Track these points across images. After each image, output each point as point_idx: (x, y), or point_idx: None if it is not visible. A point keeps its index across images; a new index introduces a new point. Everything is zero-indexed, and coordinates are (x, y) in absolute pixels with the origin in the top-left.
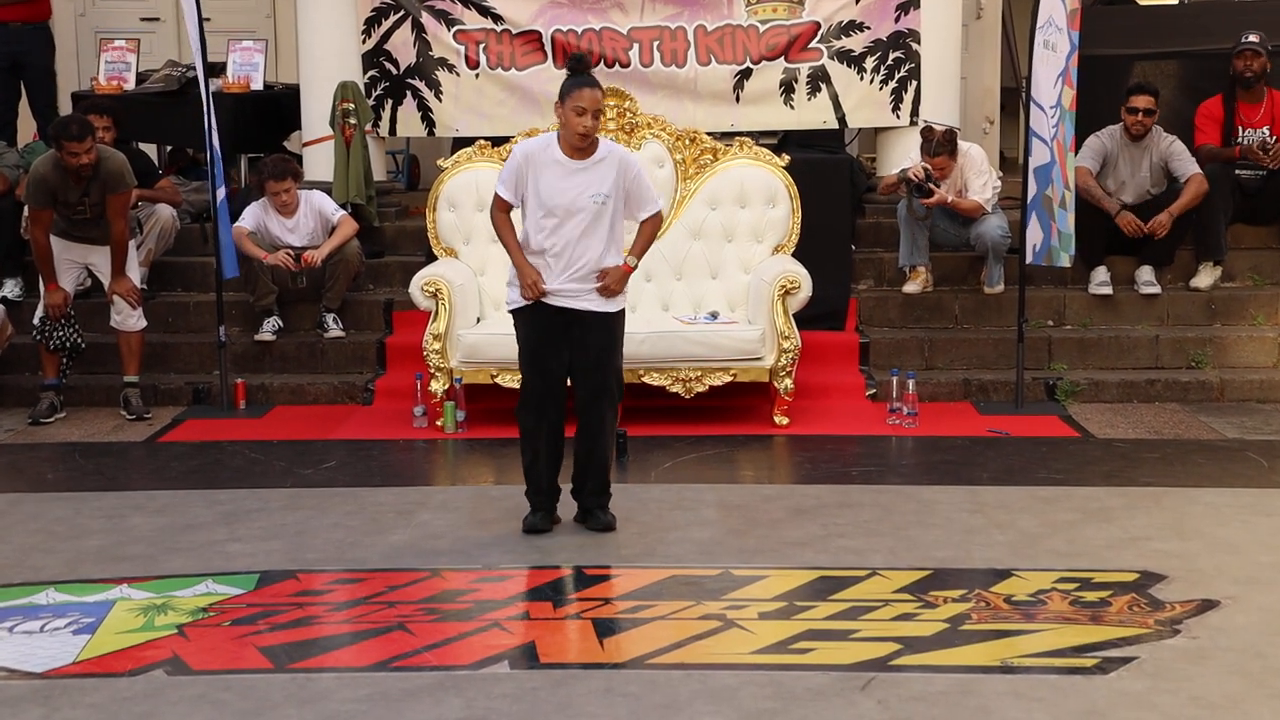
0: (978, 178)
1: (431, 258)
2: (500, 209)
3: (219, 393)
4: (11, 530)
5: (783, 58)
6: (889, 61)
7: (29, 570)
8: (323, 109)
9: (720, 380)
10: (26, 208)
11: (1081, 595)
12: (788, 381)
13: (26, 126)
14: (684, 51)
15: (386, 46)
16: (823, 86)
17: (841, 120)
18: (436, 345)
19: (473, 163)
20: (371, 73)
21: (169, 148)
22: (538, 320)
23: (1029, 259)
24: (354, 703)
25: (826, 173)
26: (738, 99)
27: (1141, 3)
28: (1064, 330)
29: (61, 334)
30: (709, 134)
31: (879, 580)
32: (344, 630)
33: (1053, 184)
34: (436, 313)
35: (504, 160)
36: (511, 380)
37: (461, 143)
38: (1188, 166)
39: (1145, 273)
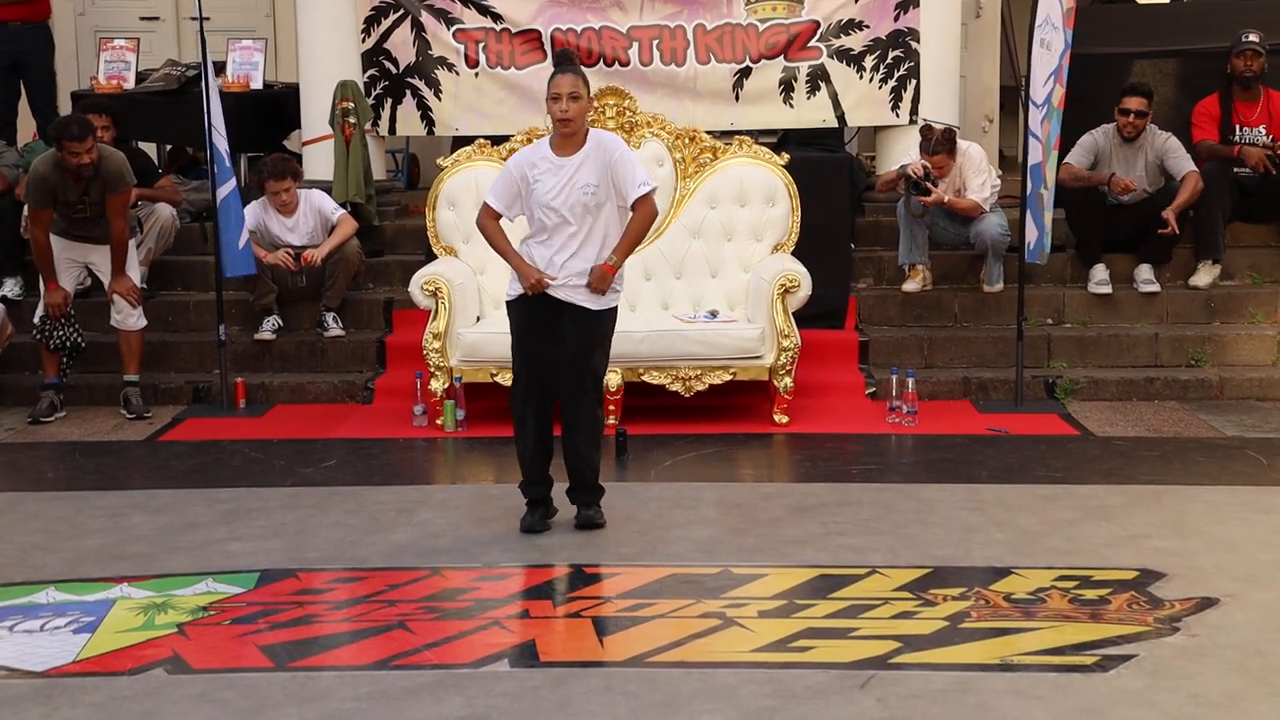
0: (976, 176)
1: (431, 256)
2: (489, 216)
3: (219, 392)
4: (12, 529)
5: (782, 56)
6: (888, 60)
7: (29, 569)
8: (322, 108)
9: (720, 379)
10: (26, 207)
11: (1081, 593)
12: (787, 380)
13: (26, 125)
14: (683, 50)
15: (386, 45)
16: (822, 85)
17: (841, 119)
18: (436, 344)
19: (472, 161)
20: (371, 72)
21: (169, 147)
22: (531, 309)
23: (1026, 257)
24: (354, 701)
25: (826, 171)
26: (737, 98)
27: (1140, 1)
28: (1063, 328)
29: (61, 333)
30: (708, 133)
31: (878, 578)
32: (344, 629)
33: (1044, 181)
34: (436, 311)
35: (504, 160)
36: (511, 378)
37: (461, 141)
38: (1183, 164)
39: (1144, 271)
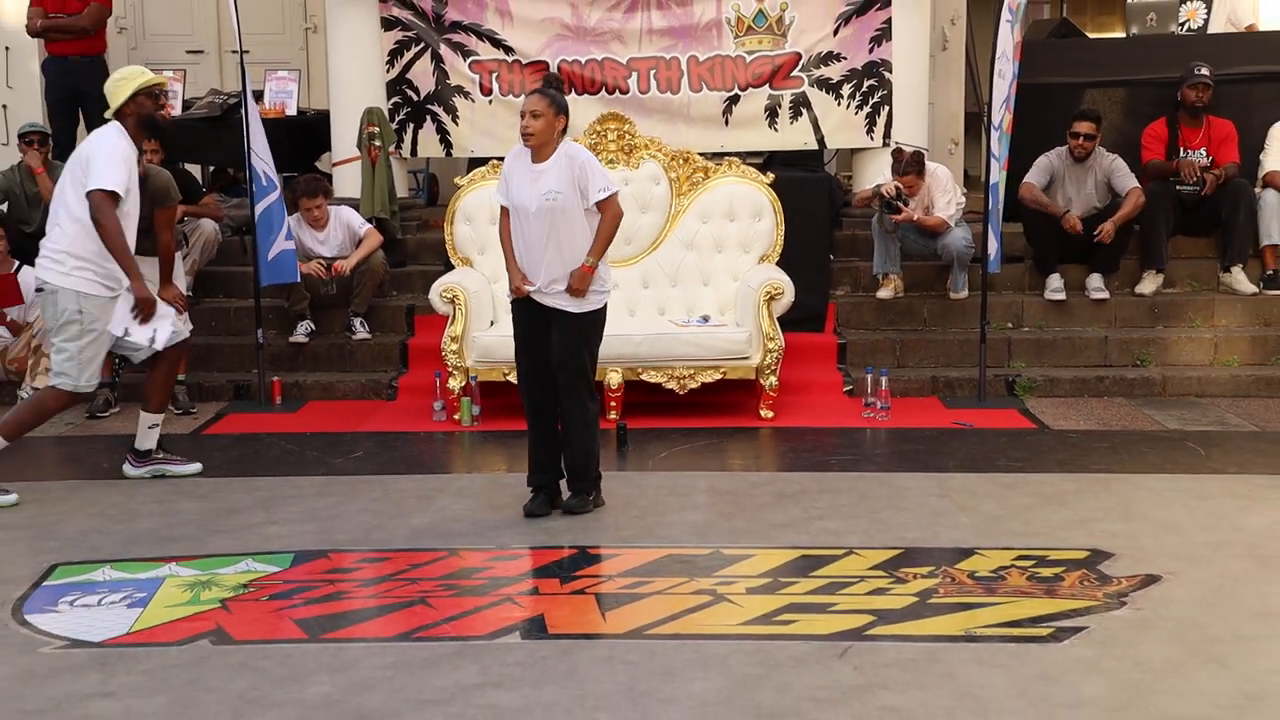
0: (943, 195)
1: (449, 267)
2: (503, 215)
3: (258, 389)
4: (72, 514)
5: (767, 85)
6: (864, 89)
7: (88, 550)
8: (351, 132)
9: (711, 378)
10: None
11: (1037, 571)
12: (772, 379)
13: None
14: (678, 79)
15: (408, 75)
16: (804, 111)
17: (821, 142)
18: (454, 346)
19: (486, 180)
20: (395, 99)
21: (212, 168)
22: (525, 311)
23: (988, 267)
24: (380, 670)
25: (807, 190)
26: (727, 122)
27: (1091, 36)
28: (1022, 332)
29: None
30: (701, 154)
31: (855, 558)
32: (371, 604)
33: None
34: (454, 317)
35: None
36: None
37: (476, 162)
38: (1127, 182)
39: (1095, 280)
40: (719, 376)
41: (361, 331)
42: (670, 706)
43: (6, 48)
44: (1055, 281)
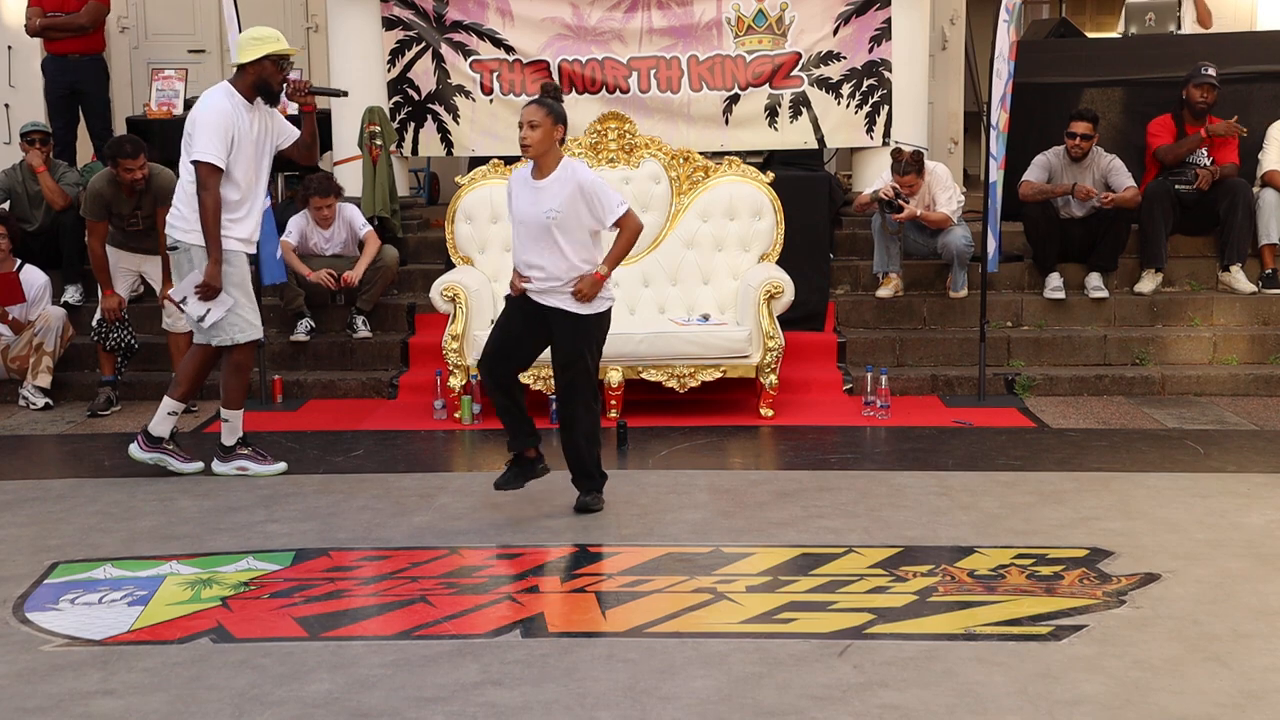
0: (943, 193)
1: (450, 265)
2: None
3: (258, 387)
4: (73, 512)
5: (767, 85)
6: (863, 88)
7: (89, 548)
8: (352, 131)
9: (711, 376)
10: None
11: (1037, 570)
12: (772, 377)
13: (84, 148)
14: (678, 79)
15: (409, 75)
16: (804, 110)
17: (821, 141)
18: (455, 345)
19: (487, 180)
20: (396, 98)
21: None
22: (517, 302)
23: (988, 266)
24: (380, 668)
25: (807, 189)
26: (727, 122)
27: (1090, 36)
28: (1022, 331)
29: (117, 335)
30: (701, 153)
31: (855, 557)
32: (371, 602)
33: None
34: (454, 315)
35: None
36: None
37: (477, 161)
38: (1124, 180)
39: (1094, 279)
40: (719, 375)
41: (363, 330)
42: (670, 705)
43: (9, 47)
44: (1055, 280)
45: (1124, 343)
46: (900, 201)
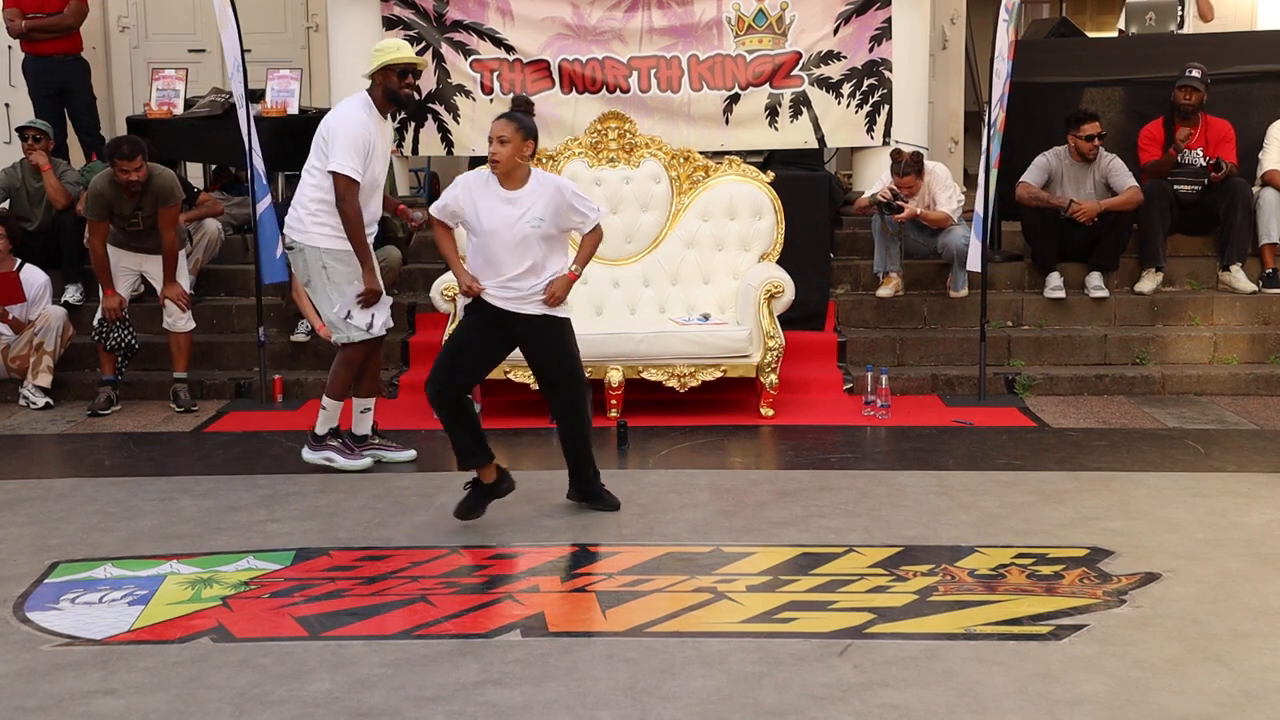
0: (943, 192)
1: None
2: (438, 225)
3: (259, 387)
4: (73, 511)
5: (768, 84)
6: (864, 88)
7: (89, 547)
8: None
9: (712, 376)
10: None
11: (1037, 569)
12: (773, 377)
13: (74, 148)
14: (678, 78)
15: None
16: (804, 110)
17: (821, 140)
18: None
19: None
20: None
21: (214, 166)
22: (484, 317)
23: (975, 267)
24: (381, 667)
25: (808, 188)
26: (727, 121)
27: (1090, 35)
28: (1022, 330)
29: (117, 335)
30: (701, 153)
31: (855, 556)
32: (372, 602)
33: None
34: (454, 315)
35: None
36: (524, 376)
37: (477, 161)
38: (1126, 180)
39: (1094, 278)
40: (719, 374)
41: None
42: (670, 704)
43: (9, 46)
44: (1055, 280)
45: (1124, 342)
46: (899, 202)
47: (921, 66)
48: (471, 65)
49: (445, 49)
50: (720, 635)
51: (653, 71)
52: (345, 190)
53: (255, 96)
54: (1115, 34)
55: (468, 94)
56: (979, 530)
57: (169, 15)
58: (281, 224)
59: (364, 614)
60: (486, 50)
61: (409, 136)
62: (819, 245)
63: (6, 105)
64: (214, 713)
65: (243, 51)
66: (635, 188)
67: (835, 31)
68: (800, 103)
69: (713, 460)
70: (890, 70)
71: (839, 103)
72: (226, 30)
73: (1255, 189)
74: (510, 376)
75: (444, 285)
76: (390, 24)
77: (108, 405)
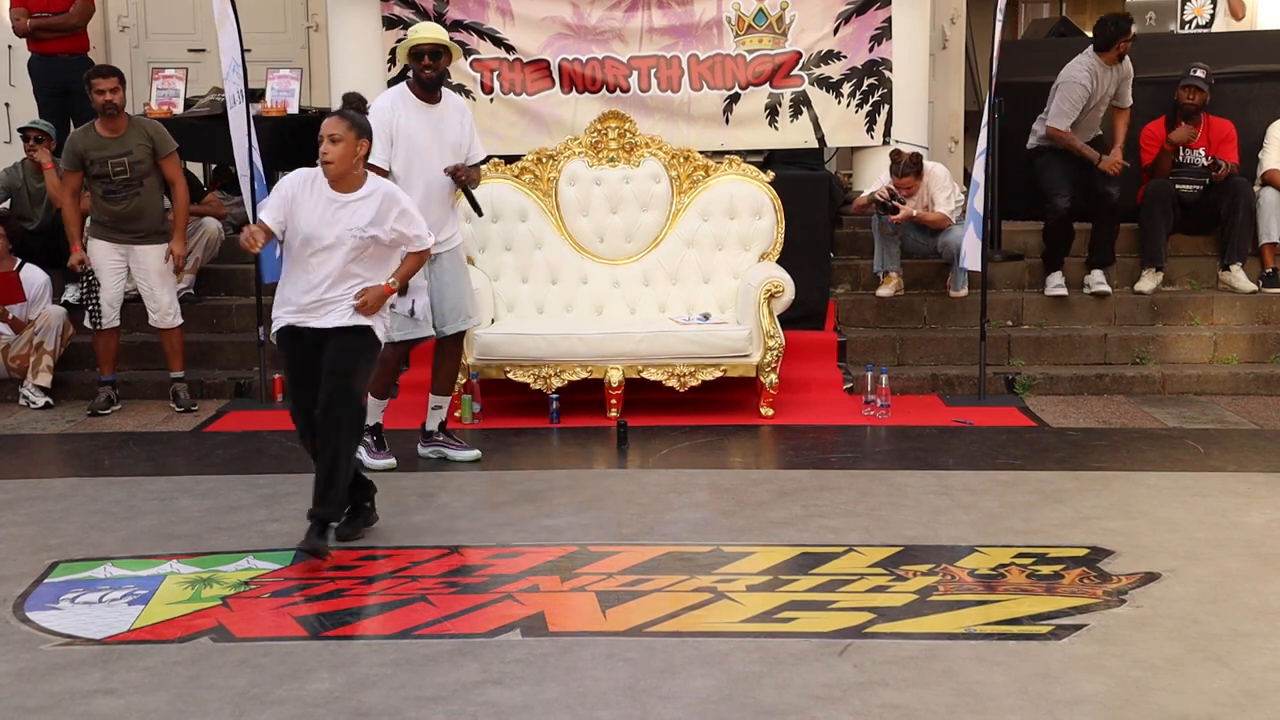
0: (941, 192)
1: None
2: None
3: (259, 387)
4: (73, 511)
5: (768, 84)
6: (864, 87)
7: (89, 547)
8: None
9: (712, 375)
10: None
11: (1037, 569)
12: (773, 376)
13: None
14: (678, 78)
15: (410, 74)
16: (804, 110)
17: (821, 140)
18: None
19: (487, 179)
20: None
21: (214, 165)
22: (290, 347)
23: (975, 266)
24: (381, 667)
25: (807, 188)
26: (727, 121)
27: (1090, 35)
28: (1022, 330)
29: (95, 295)
30: (701, 153)
31: (855, 556)
32: (372, 601)
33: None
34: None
35: (517, 177)
36: (523, 375)
37: None
38: (1129, 98)
39: (1096, 275)
40: (719, 374)
41: None
42: (670, 704)
43: (9, 46)
44: (1057, 278)
45: (1124, 342)
46: (895, 203)
47: (921, 66)
48: (471, 65)
49: None
50: (720, 635)
51: (653, 71)
52: None
53: (255, 96)
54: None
55: (468, 94)
56: (979, 530)
57: (169, 15)
58: None
59: (364, 614)
60: (486, 50)
61: None
62: (819, 245)
63: (6, 105)
64: (214, 712)
65: (243, 51)
66: (635, 187)
67: (835, 31)
68: (800, 102)
69: (713, 460)
70: (890, 70)
71: (839, 102)
72: (225, 29)
73: (1255, 188)
74: (510, 376)
75: None
76: (390, 24)
77: (108, 405)
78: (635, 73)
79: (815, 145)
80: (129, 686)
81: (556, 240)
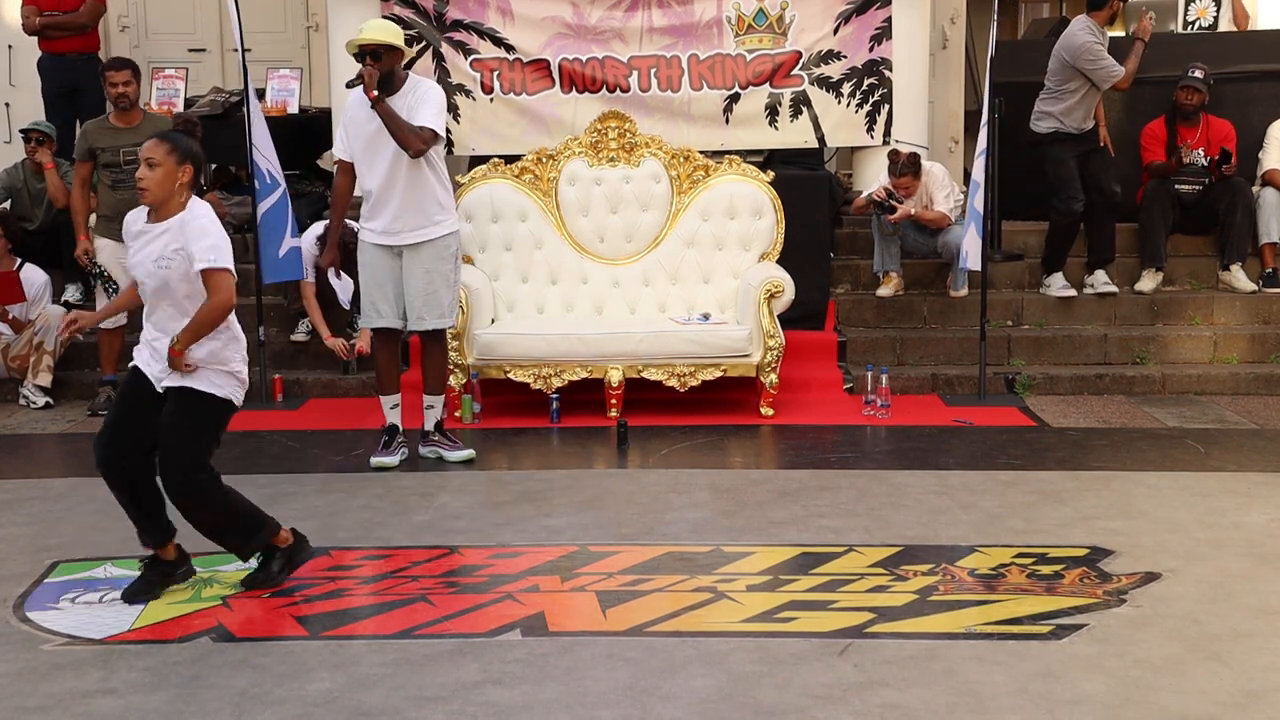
0: (940, 191)
1: None
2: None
3: (259, 387)
4: (73, 511)
5: (768, 84)
6: (864, 87)
7: (89, 547)
8: None
9: (712, 375)
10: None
11: (1037, 569)
12: (773, 376)
13: None
14: (679, 78)
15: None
16: (804, 110)
17: (821, 140)
18: (455, 343)
19: (487, 179)
20: None
21: (213, 165)
22: (132, 378)
23: (975, 266)
24: (381, 667)
25: (808, 188)
26: (727, 121)
27: None
28: (1022, 330)
29: (108, 287)
30: (701, 152)
31: (855, 556)
32: (372, 601)
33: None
34: None
35: (517, 177)
36: (524, 375)
37: (477, 160)
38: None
39: (1100, 275)
40: (719, 374)
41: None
42: (670, 704)
43: (9, 46)
44: (1060, 279)
45: (1124, 342)
46: (893, 202)
47: (921, 66)
48: (472, 65)
49: (445, 49)
50: (720, 635)
51: (653, 71)
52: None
53: (255, 96)
54: (1121, 34)
55: (468, 93)
56: (979, 530)
57: (169, 15)
58: (272, 226)
59: (364, 614)
60: (487, 50)
61: None
62: (819, 245)
63: (7, 105)
64: (214, 712)
65: (243, 51)
66: (635, 187)
67: (835, 31)
68: (800, 102)
69: (713, 460)
70: (890, 70)
71: (839, 102)
72: (230, 27)
73: (1255, 189)
74: (511, 376)
75: None
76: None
77: (108, 405)
78: (635, 72)
79: (815, 145)
80: (129, 686)
81: (556, 240)
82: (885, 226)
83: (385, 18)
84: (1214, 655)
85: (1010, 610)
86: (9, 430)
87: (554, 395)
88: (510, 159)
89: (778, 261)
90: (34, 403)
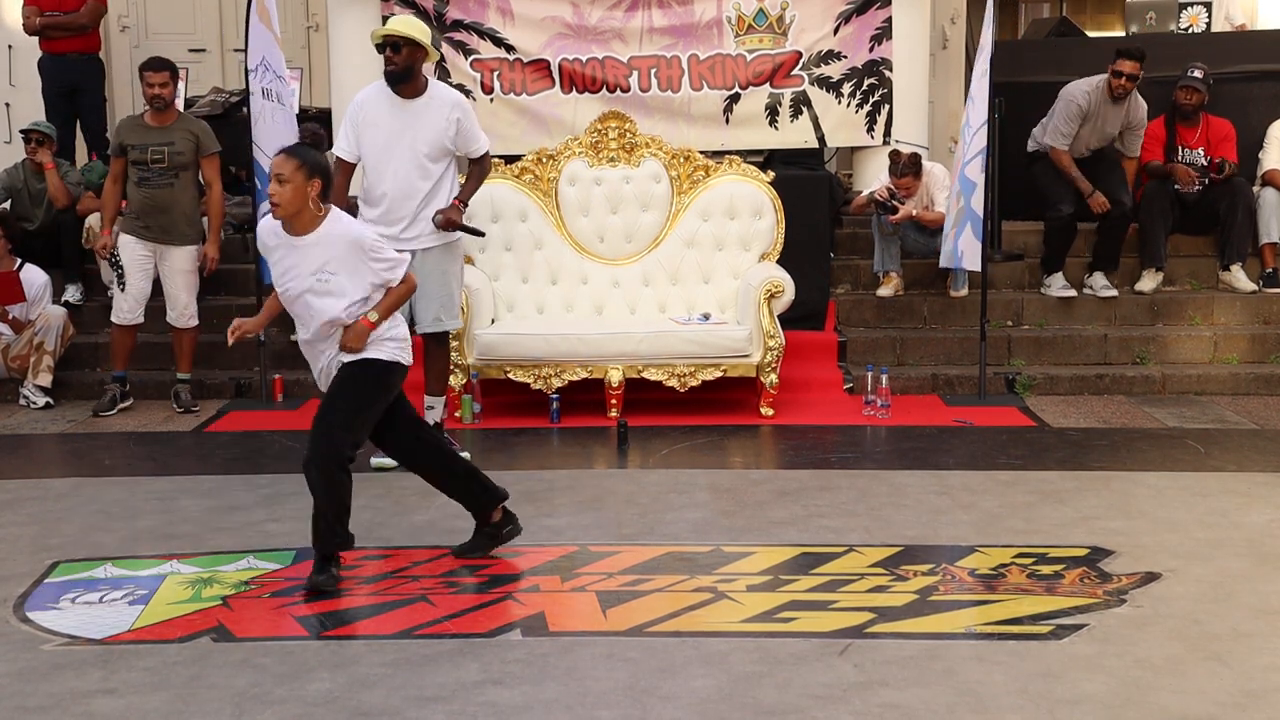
0: (940, 192)
1: None
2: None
3: (259, 387)
4: (74, 511)
5: (768, 84)
6: (864, 87)
7: (89, 547)
8: None
9: (712, 375)
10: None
11: (1037, 569)
12: (773, 376)
13: (80, 147)
14: (679, 78)
15: None
16: (804, 110)
17: (821, 140)
18: (455, 343)
19: (488, 179)
20: None
21: None
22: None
23: (975, 266)
24: (381, 667)
25: (808, 188)
26: (727, 121)
27: (1090, 35)
28: (1022, 330)
29: (123, 281)
30: (701, 153)
31: (855, 556)
32: (372, 601)
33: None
34: None
35: (517, 177)
36: (524, 375)
37: None
38: (1134, 148)
39: (1099, 278)
40: (719, 374)
41: None
42: (670, 704)
43: (9, 46)
44: (1060, 279)
45: (1124, 342)
46: (894, 203)
47: (922, 66)
48: (472, 65)
49: (445, 49)
50: (720, 635)
51: (653, 71)
52: (335, 169)
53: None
54: (1121, 34)
55: (468, 94)
56: (979, 530)
57: (169, 15)
58: None
59: (364, 614)
60: (487, 50)
61: None
62: (819, 245)
63: (7, 105)
64: (214, 712)
65: (246, 51)
66: (635, 187)
67: (835, 31)
68: (800, 102)
69: (713, 460)
70: (890, 70)
71: (839, 102)
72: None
73: (1255, 189)
74: (511, 376)
75: None
76: None
77: (112, 404)
78: (635, 73)
79: (815, 145)
80: (129, 686)
81: (556, 240)
82: (885, 226)
83: (385, 18)
84: (1214, 655)
85: (1010, 610)
86: (9, 430)
87: (554, 395)
88: (510, 159)
89: (778, 261)
90: (34, 403)
